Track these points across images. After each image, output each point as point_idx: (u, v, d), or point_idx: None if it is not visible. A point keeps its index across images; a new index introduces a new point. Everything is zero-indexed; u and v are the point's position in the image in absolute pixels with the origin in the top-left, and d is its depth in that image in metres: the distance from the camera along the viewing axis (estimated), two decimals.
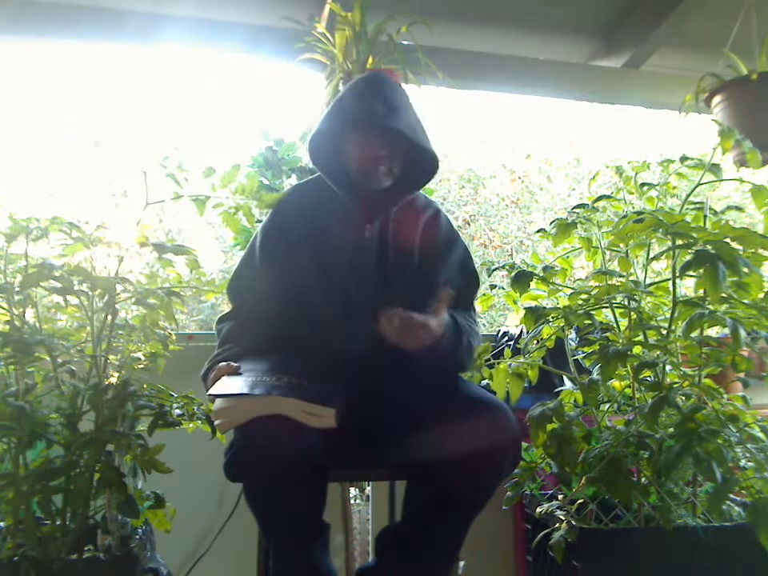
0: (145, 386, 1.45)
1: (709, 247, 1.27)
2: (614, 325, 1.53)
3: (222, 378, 1.29)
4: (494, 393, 1.56)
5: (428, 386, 1.39)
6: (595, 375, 1.44)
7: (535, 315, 1.48)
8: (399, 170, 1.49)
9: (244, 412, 1.21)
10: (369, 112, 1.43)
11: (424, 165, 1.50)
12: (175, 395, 1.47)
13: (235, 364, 1.33)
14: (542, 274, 1.58)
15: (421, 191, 1.61)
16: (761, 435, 1.36)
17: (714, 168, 1.47)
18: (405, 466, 1.34)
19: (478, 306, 1.75)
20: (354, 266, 1.46)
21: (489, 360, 1.62)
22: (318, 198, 1.52)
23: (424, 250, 1.51)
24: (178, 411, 1.43)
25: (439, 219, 1.57)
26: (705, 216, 1.47)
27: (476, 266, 1.60)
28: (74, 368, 1.42)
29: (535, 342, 1.56)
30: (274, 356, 1.41)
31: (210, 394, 1.28)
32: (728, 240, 1.29)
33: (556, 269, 1.62)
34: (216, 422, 1.24)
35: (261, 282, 1.50)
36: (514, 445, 1.30)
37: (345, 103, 1.49)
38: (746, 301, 1.34)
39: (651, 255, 1.50)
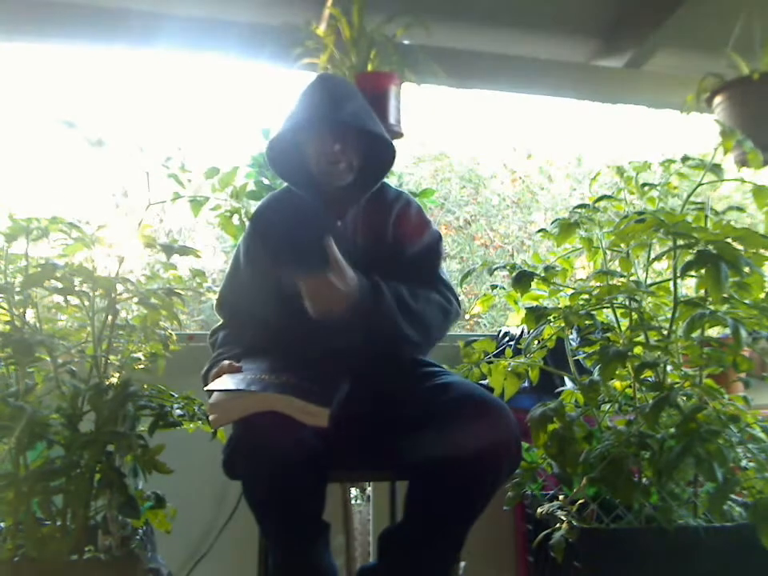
0: (145, 387, 1.45)
1: (710, 247, 1.27)
2: (615, 325, 1.53)
3: (223, 375, 1.30)
4: (492, 391, 1.56)
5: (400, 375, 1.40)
6: (596, 375, 1.44)
7: (536, 315, 1.48)
8: (359, 163, 1.51)
9: (239, 408, 1.22)
10: (313, 110, 1.46)
11: (383, 155, 1.52)
12: (176, 395, 1.47)
13: (237, 364, 1.33)
14: (542, 274, 1.58)
15: (389, 183, 1.63)
16: (762, 435, 1.36)
17: (716, 168, 1.47)
18: (405, 466, 1.34)
19: (478, 306, 1.75)
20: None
21: (489, 359, 1.62)
22: (294, 202, 1.54)
23: (396, 239, 1.53)
24: (178, 411, 1.43)
25: (410, 209, 1.58)
26: (706, 216, 1.47)
27: (441, 245, 1.59)
28: (74, 368, 1.42)
29: (536, 342, 1.56)
30: (273, 356, 1.41)
31: (207, 389, 1.28)
32: (729, 240, 1.29)
33: (557, 269, 1.62)
34: (210, 417, 1.24)
35: (249, 292, 1.51)
36: (514, 444, 1.30)
37: (294, 107, 1.51)
38: (747, 301, 1.34)
39: (652, 255, 1.50)
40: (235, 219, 1.52)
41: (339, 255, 1.33)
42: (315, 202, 1.52)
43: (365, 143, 1.50)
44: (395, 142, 1.56)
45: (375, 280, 1.39)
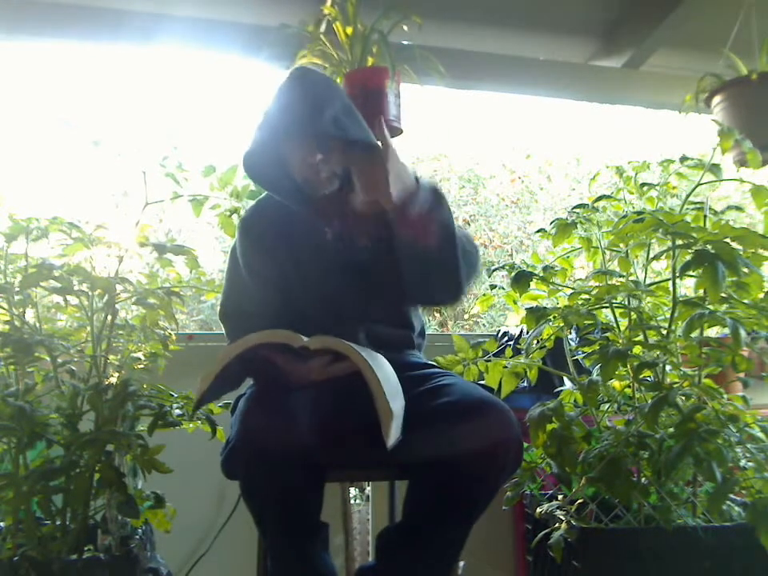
0: (145, 386, 1.45)
1: (709, 247, 1.27)
2: (614, 325, 1.53)
3: None
4: (492, 391, 1.56)
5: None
6: (595, 375, 1.44)
7: (536, 315, 1.48)
8: (342, 170, 1.43)
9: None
10: (290, 117, 1.37)
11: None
12: (175, 395, 1.47)
13: None
14: (542, 274, 1.58)
15: None
16: (761, 435, 1.36)
17: (714, 168, 1.47)
18: (405, 466, 1.34)
19: (477, 306, 1.75)
20: (326, 269, 1.45)
21: (488, 358, 1.62)
22: (284, 208, 1.48)
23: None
24: (178, 411, 1.43)
25: None
26: (705, 216, 1.47)
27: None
28: (73, 368, 1.42)
29: (535, 341, 1.56)
30: None
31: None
32: (728, 240, 1.29)
33: (556, 269, 1.62)
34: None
35: (251, 297, 1.47)
36: (515, 445, 1.30)
37: (270, 111, 1.43)
38: (745, 301, 1.34)
39: (651, 255, 1.50)
40: (235, 219, 1.52)
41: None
42: (301, 211, 1.46)
43: (348, 147, 1.40)
44: (395, 139, 1.51)
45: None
